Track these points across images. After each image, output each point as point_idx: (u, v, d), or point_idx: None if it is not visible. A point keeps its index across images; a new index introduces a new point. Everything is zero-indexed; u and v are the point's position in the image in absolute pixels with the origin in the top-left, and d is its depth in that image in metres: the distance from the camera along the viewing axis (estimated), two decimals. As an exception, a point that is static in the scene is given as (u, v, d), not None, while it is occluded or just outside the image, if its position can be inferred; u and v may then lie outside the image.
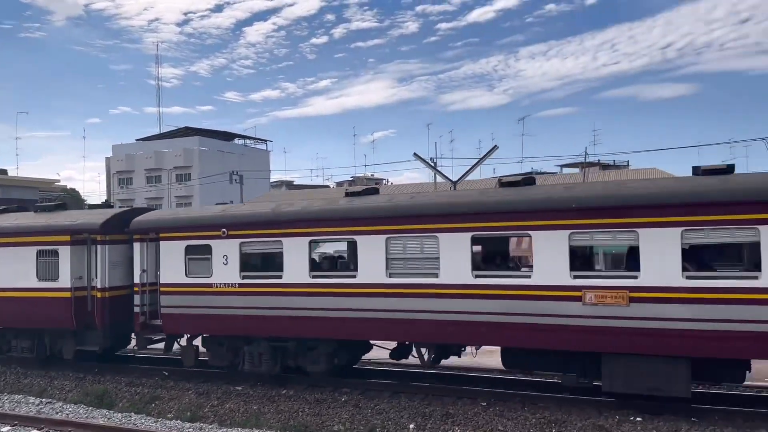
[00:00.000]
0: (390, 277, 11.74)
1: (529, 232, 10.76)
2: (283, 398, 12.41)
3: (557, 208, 10.56)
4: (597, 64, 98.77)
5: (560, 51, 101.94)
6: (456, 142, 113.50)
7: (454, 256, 11.20)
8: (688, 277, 9.67)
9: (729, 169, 10.43)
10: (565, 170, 52.33)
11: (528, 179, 12.11)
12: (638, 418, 10.16)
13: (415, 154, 30.30)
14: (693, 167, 10.96)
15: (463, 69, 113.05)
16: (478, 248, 13.22)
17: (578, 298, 10.23)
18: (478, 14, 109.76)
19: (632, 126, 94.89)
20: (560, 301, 10.39)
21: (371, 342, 13.63)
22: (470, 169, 29.51)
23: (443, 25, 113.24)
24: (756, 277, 9.31)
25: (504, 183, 12.05)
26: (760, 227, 9.20)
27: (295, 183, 78.14)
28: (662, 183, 10.56)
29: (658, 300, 9.76)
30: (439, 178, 33.86)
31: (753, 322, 9.26)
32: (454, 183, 28.16)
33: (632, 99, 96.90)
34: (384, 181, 64.14)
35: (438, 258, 11.34)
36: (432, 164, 32.09)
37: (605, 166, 52.17)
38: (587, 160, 45.18)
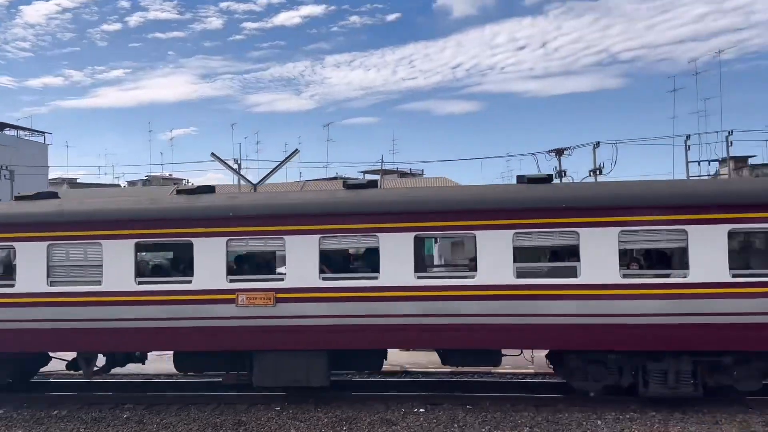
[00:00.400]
0: (51, 286, 11.36)
1: (191, 239, 11.24)
2: (54, 419, 11.15)
3: (216, 216, 11.21)
4: (396, 77, 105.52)
5: (363, 62, 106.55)
6: (262, 144, 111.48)
7: (117, 263, 11.23)
8: (324, 279, 10.97)
9: (370, 184, 12.07)
10: (367, 176, 54.44)
11: (205, 188, 12.61)
12: (421, 410, 11.06)
13: (212, 154, 29.02)
14: (343, 182, 12.45)
15: (270, 71, 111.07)
16: (159, 254, 13.37)
17: (233, 301, 10.96)
18: (285, 18, 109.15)
19: (427, 137, 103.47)
20: (218, 304, 11.01)
21: (50, 354, 13.00)
22: (271, 171, 29.44)
23: (249, 25, 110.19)
24: (375, 278, 10.93)
25: (180, 191, 12.41)
26: (379, 235, 10.84)
27: (78, 181, 69.61)
28: (307, 196, 11.82)
29: (300, 300, 10.89)
30: (241, 180, 32.92)
31: (375, 316, 10.83)
32: (255, 185, 28.02)
33: (427, 113, 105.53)
34: (184, 182, 60.31)
35: (101, 265, 11.28)
36: (230, 165, 31.22)
37: (403, 174, 54.39)
38: (385, 168, 47.45)
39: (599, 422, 10.26)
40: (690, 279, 10.09)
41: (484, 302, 10.53)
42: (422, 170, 56.19)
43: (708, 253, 10.03)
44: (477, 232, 10.62)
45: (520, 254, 10.63)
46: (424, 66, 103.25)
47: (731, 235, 10.14)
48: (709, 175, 31.00)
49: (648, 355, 10.45)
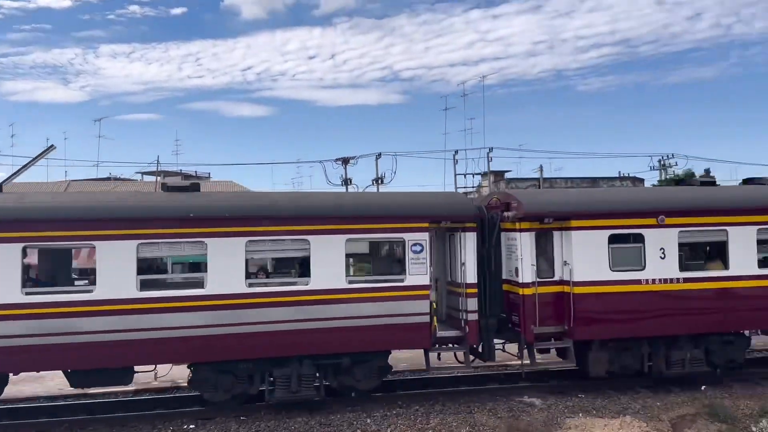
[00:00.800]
0: None
1: None
2: None
3: None
4: (182, 74, 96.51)
5: (144, 55, 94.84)
6: (19, 138, 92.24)
7: None
8: None
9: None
10: (146, 178, 48.97)
11: None
12: (191, 426, 10.41)
13: None
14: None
15: (31, 56, 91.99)
16: None
17: None
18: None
19: (215, 139, 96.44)
20: None
21: None
22: (20, 169, 23.72)
23: (7, 3, 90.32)
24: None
25: None
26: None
27: None
28: None
29: None
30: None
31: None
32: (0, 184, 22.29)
33: (216, 113, 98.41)
34: None
35: None
36: None
37: (187, 177, 49.96)
38: (166, 169, 43.06)
39: (368, 420, 10.61)
40: (311, 286, 10.66)
41: (105, 318, 9.85)
42: (209, 173, 53.56)
43: (328, 261, 10.71)
44: (96, 243, 9.90)
45: (148, 266, 10.19)
46: (212, 65, 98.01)
47: (348, 243, 10.97)
48: (473, 187, 34.23)
49: (275, 361, 10.78)
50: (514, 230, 11.86)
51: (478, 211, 11.75)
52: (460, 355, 12.05)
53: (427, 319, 11.08)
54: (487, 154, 32.80)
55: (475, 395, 12.13)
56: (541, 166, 35.00)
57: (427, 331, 11.10)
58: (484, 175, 35.00)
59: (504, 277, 12.19)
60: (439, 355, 12.58)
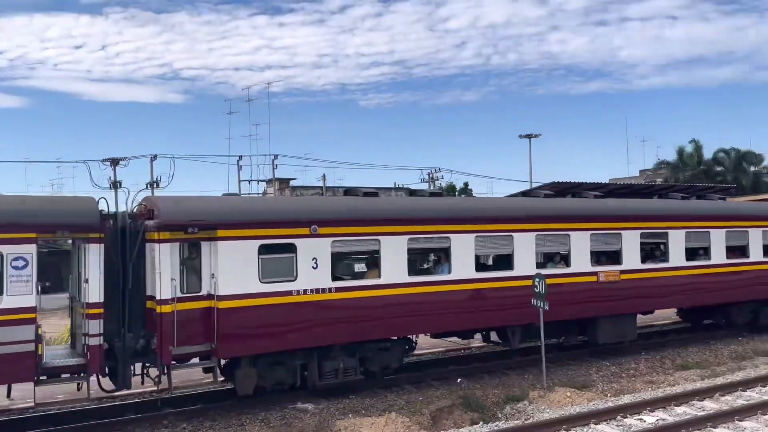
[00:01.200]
0: None
1: None
2: None
3: None
4: None
5: None
6: None
7: None
8: None
9: None
10: None
11: None
12: None
13: None
14: None
15: None
16: None
17: None
18: None
19: None
20: None
21: None
22: None
23: None
24: None
25: None
26: None
27: None
28: None
29: None
30: None
31: None
32: None
33: None
34: None
35: None
36: None
37: None
38: None
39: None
40: None
41: None
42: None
43: None
44: None
45: None
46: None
47: None
48: (258, 194, 32.08)
49: None
50: (154, 241, 10.66)
51: (105, 219, 10.31)
52: (105, 382, 10.60)
53: (30, 347, 9.29)
54: (272, 161, 32.21)
55: (248, 407, 11.48)
56: (324, 175, 35.18)
57: (30, 362, 9.31)
58: (269, 182, 34.31)
59: (148, 293, 10.94)
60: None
